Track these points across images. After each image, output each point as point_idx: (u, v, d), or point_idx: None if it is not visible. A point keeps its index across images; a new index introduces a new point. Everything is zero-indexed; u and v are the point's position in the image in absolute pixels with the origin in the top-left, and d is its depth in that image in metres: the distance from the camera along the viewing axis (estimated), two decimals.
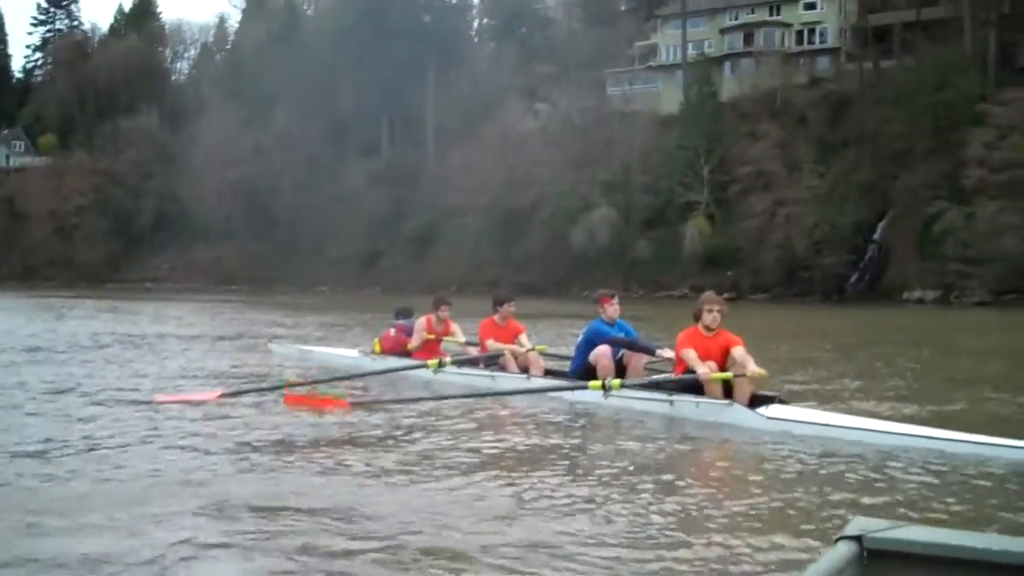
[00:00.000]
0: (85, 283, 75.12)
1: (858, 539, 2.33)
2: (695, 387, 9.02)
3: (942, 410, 9.67)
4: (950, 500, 5.79)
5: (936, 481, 6.32)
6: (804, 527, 5.17)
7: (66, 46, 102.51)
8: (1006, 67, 60.10)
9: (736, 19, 73.36)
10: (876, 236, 59.06)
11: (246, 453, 7.30)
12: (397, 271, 74.85)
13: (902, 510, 5.49)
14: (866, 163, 60.71)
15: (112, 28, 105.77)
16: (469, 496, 5.92)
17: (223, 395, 10.09)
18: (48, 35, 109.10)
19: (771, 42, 70.63)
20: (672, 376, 9.39)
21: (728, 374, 8.86)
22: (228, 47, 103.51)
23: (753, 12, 72.76)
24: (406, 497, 5.98)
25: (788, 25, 71.50)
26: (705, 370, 8.83)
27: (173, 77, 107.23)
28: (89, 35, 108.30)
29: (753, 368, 8.69)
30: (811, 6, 71.28)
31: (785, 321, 36.36)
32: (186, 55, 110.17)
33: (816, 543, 4.80)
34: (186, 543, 4.84)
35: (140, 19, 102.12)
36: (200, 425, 8.37)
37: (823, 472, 6.67)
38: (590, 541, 4.93)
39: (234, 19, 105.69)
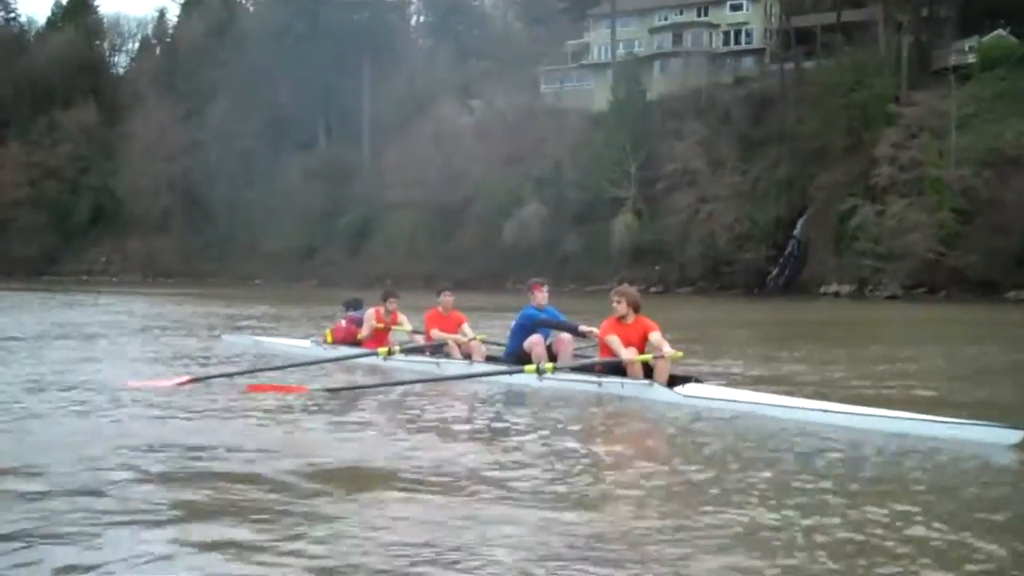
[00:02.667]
0: (21, 276, 74.94)
1: None
2: (619, 369, 10.09)
3: (838, 390, 10.75)
4: (824, 463, 6.78)
5: (817, 447, 7.35)
6: (708, 488, 6.00)
7: (2, 39, 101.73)
8: (923, 69, 62.05)
9: (665, 20, 74.86)
10: (796, 232, 60.80)
11: (210, 424, 8.24)
12: (333, 265, 75.57)
13: (805, 475, 6.35)
14: (786, 161, 62.24)
15: (49, 21, 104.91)
16: (422, 461, 6.78)
17: (190, 381, 10.73)
18: None
19: (699, 42, 72.24)
20: (598, 360, 10.48)
21: (648, 356, 9.95)
22: (168, 41, 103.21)
23: (682, 13, 74.36)
24: (361, 453, 7.09)
25: (716, 26, 73.28)
26: (628, 354, 9.92)
27: (111, 71, 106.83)
28: (25, 28, 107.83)
29: (669, 350, 9.80)
30: (738, 8, 73.12)
31: (706, 313, 37.96)
32: (124, 49, 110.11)
33: (717, 499, 5.66)
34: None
35: (77, 12, 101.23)
36: (169, 407, 9.05)
37: (729, 442, 7.62)
38: (524, 501, 5.62)
39: (173, 13, 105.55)
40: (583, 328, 11.17)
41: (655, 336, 10.07)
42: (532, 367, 10.36)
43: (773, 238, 61.07)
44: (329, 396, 10.01)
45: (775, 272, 60.53)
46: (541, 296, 11.70)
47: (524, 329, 11.51)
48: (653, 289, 58.88)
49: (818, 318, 35.01)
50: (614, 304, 10.31)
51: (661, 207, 64.24)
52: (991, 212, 50.19)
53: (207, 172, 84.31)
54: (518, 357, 11.28)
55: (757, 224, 60.67)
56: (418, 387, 10.68)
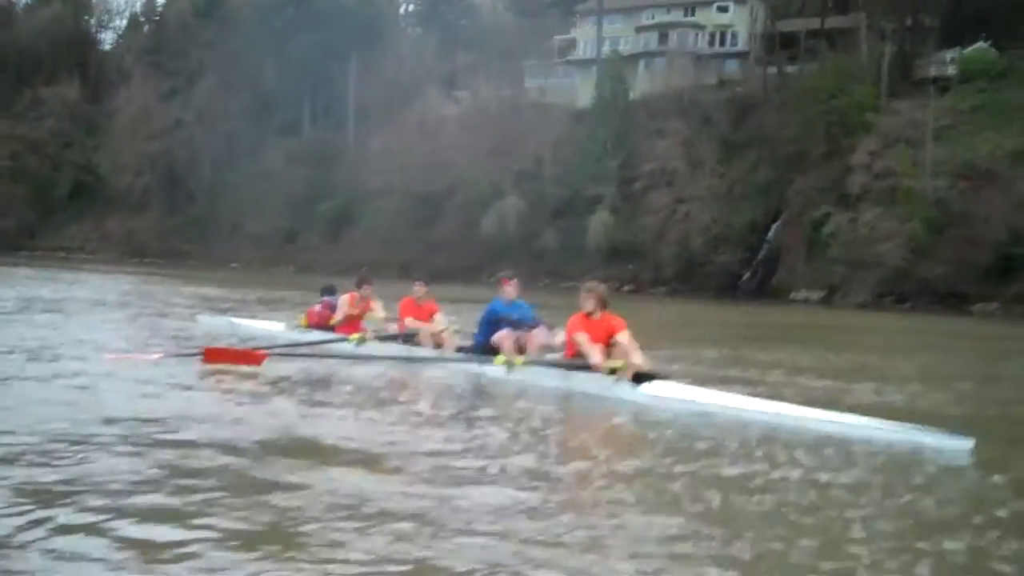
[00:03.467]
0: None
1: None
2: (586, 366, 10.25)
3: (800, 392, 10.93)
4: (781, 464, 6.92)
5: (775, 447, 7.51)
6: (663, 483, 6.19)
7: None
8: (904, 78, 62.49)
9: (652, 19, 74.94)
10: (769, 236, 60.85)
11: (178, 396, 8.68)
12: (312, 250, 75.37)
13: (761, 473, 6.56)
14: (765, 165, 62.39)
15: None
16: (383, 438, 7.14)
17: (164, 355, 11.10)
18: None
19: (685, 43, 72.38)
20: (567, 359, 10.58)
21: (618, 362, 10.01)
22: (156, 19, 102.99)
23: (669, 12, 74.49)
24: (323, 428, 7.43)
25: (702, 27, 73.44)
26: (597, 358, 10.02)
27: (98, 47, 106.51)
28: (14, 1, 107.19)
29: (637, 361, 9.94)
30: (724, 9, 73.33)
31: (677, 313, 38.09)
32: (111, 25, 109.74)
33: (671, 494, 5.88)
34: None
35: None
36: (142, 379, 9.45)
37: (688, 440, 7.82)
38: (478, 481, 5.95)
39: None
40: (544, 325, 11.43)
41: (623, 336, 10.18)
42: (501, 358, 10.65)
43: (747, 241, 61.17)
44: (298, 379, 10.24)
45: (747, 276, 60.55)
46: (510, 290, 11.89)
47: (488, 324, 11.68)
48: (626, 288, 58.94)
49: (786, 322, 35.25)
50: (587, 300, 10.44)
51: (638, 206, 64.23)
52: (963, 224, 50.26)
53: (190, 152, 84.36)
54: (486, 350, 11.44)
55: (732, 227, 60.84)
56: (386, 372, 10.92)
